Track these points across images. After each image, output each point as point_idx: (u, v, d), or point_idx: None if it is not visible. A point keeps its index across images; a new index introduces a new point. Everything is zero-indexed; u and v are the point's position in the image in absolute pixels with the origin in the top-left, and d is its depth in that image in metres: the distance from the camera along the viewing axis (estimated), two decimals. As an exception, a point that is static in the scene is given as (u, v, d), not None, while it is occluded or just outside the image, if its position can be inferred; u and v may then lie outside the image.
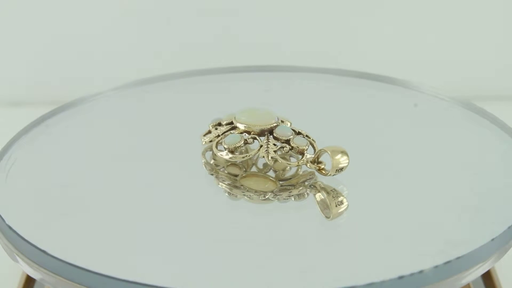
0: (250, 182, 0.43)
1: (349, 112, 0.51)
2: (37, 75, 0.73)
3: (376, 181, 0.43)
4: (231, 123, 0.45)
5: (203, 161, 0.44)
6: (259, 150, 0.43)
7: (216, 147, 0.44)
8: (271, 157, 0.43)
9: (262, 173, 0.43)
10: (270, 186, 0.42)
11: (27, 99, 0.72)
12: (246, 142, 0.44)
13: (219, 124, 0.45)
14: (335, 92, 0.54)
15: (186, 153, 0.46)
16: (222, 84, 0.55)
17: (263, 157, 0.43)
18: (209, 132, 0.45)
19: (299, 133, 0.44)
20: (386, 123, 0.50)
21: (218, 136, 0.44)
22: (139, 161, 0.45)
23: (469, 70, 0.74)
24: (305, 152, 0.43)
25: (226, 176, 0.43)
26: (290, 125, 0.45)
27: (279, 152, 0.43)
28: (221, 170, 0.44)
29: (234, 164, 0.44)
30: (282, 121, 0.45)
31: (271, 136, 0.44)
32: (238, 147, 0.43)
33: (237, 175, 0.43)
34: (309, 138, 0.44)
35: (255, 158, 0.44)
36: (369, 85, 0.54)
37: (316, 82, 0.55)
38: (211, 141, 0.44)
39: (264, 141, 0.43)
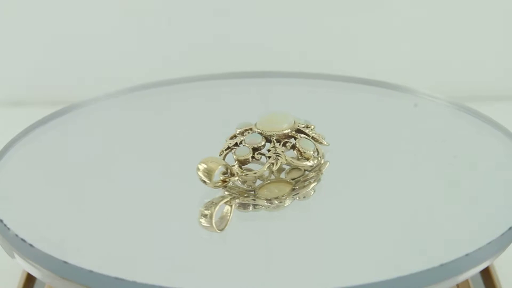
0: (264, 192, 0.42)
1: (347, 116, 0.51)
2: (37, 75, 0.73)
3: (377, 182, 0.44)
4: (267, 139, 0.43)
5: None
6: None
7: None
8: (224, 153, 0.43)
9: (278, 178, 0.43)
10: (283, 189, 0.42)
11: (27, 99, 0.72)
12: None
13: (256, 149, 0.43)
14: (332, 97, 0.54)
15: (185, 157, 0.46)
16: (222, 89, 0.55)
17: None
18: (243, 163, 0.43)
19: (271, 149, 0.43)
20: (385, 126, 0.50)
21: (282, 151, 0.43)
22: (140, 165, 0.45)
23: (465, 71, 0.74)
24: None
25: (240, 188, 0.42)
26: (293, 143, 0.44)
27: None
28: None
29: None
30: (301, 125, 0.44)
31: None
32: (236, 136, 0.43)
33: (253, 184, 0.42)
34: (280, 153, 0.43)
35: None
36: (366, 90, 0.54)
37: (316, 87, 0.55)
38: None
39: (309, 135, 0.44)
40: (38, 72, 0.73)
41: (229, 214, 0.40)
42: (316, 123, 0.45)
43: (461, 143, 0.48)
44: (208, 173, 0.40)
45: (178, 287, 0.35)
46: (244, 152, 0.42)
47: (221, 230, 0.39)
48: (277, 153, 0.42)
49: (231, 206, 0.41)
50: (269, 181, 0.42)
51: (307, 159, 0.43)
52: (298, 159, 0.43)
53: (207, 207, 0.41)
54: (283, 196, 0.41)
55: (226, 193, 0.42)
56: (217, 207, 0.41)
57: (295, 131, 0.43)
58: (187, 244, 0.39)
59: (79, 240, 0.39)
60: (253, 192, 0.42)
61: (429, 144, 0.47)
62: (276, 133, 0.43)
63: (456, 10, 0.73)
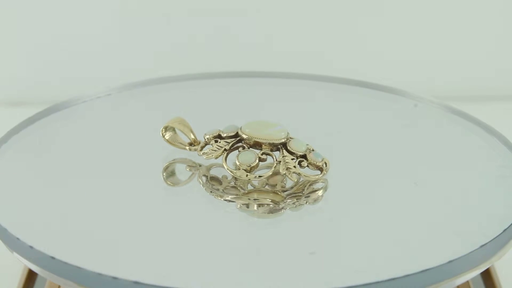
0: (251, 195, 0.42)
1: (340, 119, 0.51)
2: (37, 75, 0.73)
3: (374, 183, 0.44)
4: (236, 135, 0.43)
5: (200, 183, 0.43)
6: (275, 166, 0.42)
7: (225, 160, 0.43)
8: (294, 173, 0.42)
9: (263, 188, 0.43)
10: (276, 199, 0.42)
11: (27, 99, 0.73)
12: (260, 160, 0.43)
13: (219, 137, 0.44)
14: (324, 98, 0.54)
15: (176, 157, 0.46)
16: (215, 89, 0.55)
17: (284, 173, 0.42)
18: (206, 144, 0.44)
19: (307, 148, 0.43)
20: (380, 130, 0.50)
21: (225, 150, 0.43)
22: (132, 164, 0.45)
23: (460, 70, 0.74)
24: (323, 167, 0.42)
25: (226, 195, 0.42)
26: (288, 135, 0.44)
27: (298, 167, 0.42)
28: (220, 191, 0.42)
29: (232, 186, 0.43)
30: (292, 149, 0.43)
31: (285, 150, 0.43)
32: (254, 166, 0.42)
33: (237, 194, 0.42)
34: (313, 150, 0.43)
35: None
36: (362, 92, 0.54)
37: (309, 89, 0.55)
38: (216, 157, 0.43)
39: (281, 157, 0.43)
40: (38, 72, 0.73)
41: (187, 178, 0.44)
42: (310, 125, 0.45)
43: (456, 145, 0.48)
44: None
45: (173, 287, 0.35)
46: (211, 132, 0.44)
47: (172, 184, 0.43)
48: (214, 149, 0.43)
49: (192, 173, 0.43)
50: (261, 190, 0.42)
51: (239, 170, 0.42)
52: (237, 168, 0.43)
53: (170, 162, 0.45)
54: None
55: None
56: (171, 165, 0.44)
57: (271, 144, 0.43)
58: (188, 244, 0.39)
59: (72, 239, 0.39)
60: (243, 190, 0.42)
61: (424, 146, 0.48)
62: (246, 135, 0.43)
63: (451, 11, 0.73)
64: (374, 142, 0.48)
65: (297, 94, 0.54)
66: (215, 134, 0.44)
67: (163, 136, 0.45)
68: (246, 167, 0.42)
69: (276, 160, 0.42)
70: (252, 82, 0.56)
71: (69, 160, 0.45)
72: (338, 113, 0.52)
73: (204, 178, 0.43)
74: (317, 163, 0.42)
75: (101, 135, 0.49)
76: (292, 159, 0.42)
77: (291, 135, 0.44)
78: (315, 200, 0.42)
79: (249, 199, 0.42)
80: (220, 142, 0.43)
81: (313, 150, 0.43)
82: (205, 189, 0.43)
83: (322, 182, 0.43)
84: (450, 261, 0.37)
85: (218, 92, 0.54)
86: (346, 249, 0.38)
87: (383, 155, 0.46)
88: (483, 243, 0.38)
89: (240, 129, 0.43)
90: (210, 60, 0.72)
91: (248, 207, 0.41)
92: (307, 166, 0.42)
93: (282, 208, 0.41)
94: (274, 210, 0.41)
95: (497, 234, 0.38)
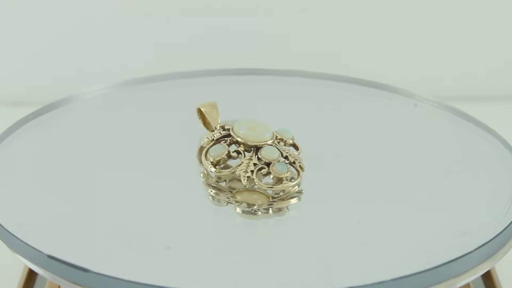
0: (243, 197, 0.42)
1: (339, 117, 0.51)
2: (37, 75, 0.73)
3: (375, 183, 0.43)
4: (229, 130, 0.44)
5: (201, 172, 0.44)
6: (237, 167, 0.42)
7: (205, 155, 0.43)
8: (247, 177, 0.42)
9: (261, 189, 0.42)
10: (260, 200, 0.42)
11: (27, 99, 0.72)
12: (229, 156, 0.43)
13: (223, 128, 0.44)
14: (323, 96, 0.54)
15: (175, 157, 0.46)
16: (217, 86, 0.55)
17: (239, 175, 0.42)
18: (212, 130, 0.45)
19: (286, 157, 0.43)
20: (379, 129, 0.50)
21: (212, 140, 0.44)
22: (126, 165, 0.45)
23: (461, 70, 0.74)
24: (284, 179, 0.42)
25: (223, 189, 0.42)
26: (292, 140, 0.44)
27: (265, 174, 0.42)
28: (221, 183, 0.43)
29: (236, 178, 0.43)
30: (282, 139, 0.44)
31: (256, 155, 0.43)
32: (220, 160, 0.43)
33: (234, 188, 0.42)
34: (296, 164, 0.43)
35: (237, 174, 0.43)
36: (362, 91, 0.54)
37: (309, 87, 0.55)
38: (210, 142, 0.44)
39: (247, 159, 0.43)
40: (38, 72, 0.73)
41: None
42: (309, 123, 0.45)
43: (456, 145, 0.48)
44: None
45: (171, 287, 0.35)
46: (283, 169, 0.42)
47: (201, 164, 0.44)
48: (207, 137, 0.44)
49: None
50: (247, 189, 0.42)
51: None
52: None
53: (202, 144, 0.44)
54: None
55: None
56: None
57: (247, 145, 0.43)
58: (186, 244, 0.39)
59: (70, 238, 0.39)
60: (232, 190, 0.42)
61: (423, 146, 0.48)
62: (232, 131, 0.43)
63: (452, 10, 0.73)
64: (372, 141, 0.48)
65: (297, 92, 0.54)
66: (222, 125, 0.44)
67: (198, 114, 0.46)
68: (213, 159, 0.42)
69: (241, 160, 0.43)
70: (254, 80, 0.56)
71: (69, 158, 0.45)
72: (337, 111, 0.52)
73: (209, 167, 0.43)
74: (279, 175, 0.42)
75: (100, 133, 0.49)
76: (255, 164, 0.42)
77: (295, 140, 0.44)
78: (280, 210, 0.41)
79: (231, 197, 0.41)
80: (215, 132, 0.44)
81: (293, 162, 0.42)
82: (202, 176, 0.43)
83: (296, 192, 0.42)
84: (449, 262, 0.36)
85: (219, 90, 0.54)
86: (345, 249, 0.38)
87: (382, 155, 0.46)
88: (483, 243, 0.38)
89: (233, 125, 0.44)
90: (210, 60, 0.72)
91: (219, 202, 0.41)
92: (267, 174, 0.42)
93: (249, 211, 0.41)
94: (244, 211, 0.41)
95: (497, 234, 0.38)
